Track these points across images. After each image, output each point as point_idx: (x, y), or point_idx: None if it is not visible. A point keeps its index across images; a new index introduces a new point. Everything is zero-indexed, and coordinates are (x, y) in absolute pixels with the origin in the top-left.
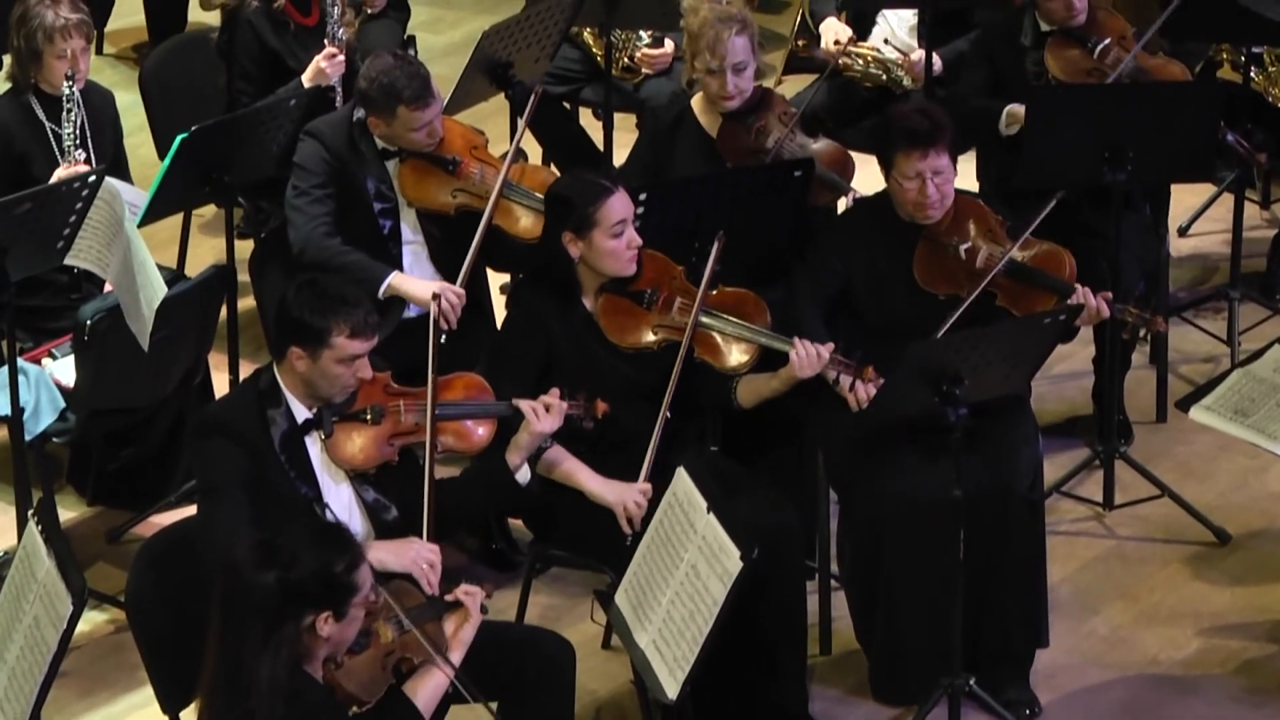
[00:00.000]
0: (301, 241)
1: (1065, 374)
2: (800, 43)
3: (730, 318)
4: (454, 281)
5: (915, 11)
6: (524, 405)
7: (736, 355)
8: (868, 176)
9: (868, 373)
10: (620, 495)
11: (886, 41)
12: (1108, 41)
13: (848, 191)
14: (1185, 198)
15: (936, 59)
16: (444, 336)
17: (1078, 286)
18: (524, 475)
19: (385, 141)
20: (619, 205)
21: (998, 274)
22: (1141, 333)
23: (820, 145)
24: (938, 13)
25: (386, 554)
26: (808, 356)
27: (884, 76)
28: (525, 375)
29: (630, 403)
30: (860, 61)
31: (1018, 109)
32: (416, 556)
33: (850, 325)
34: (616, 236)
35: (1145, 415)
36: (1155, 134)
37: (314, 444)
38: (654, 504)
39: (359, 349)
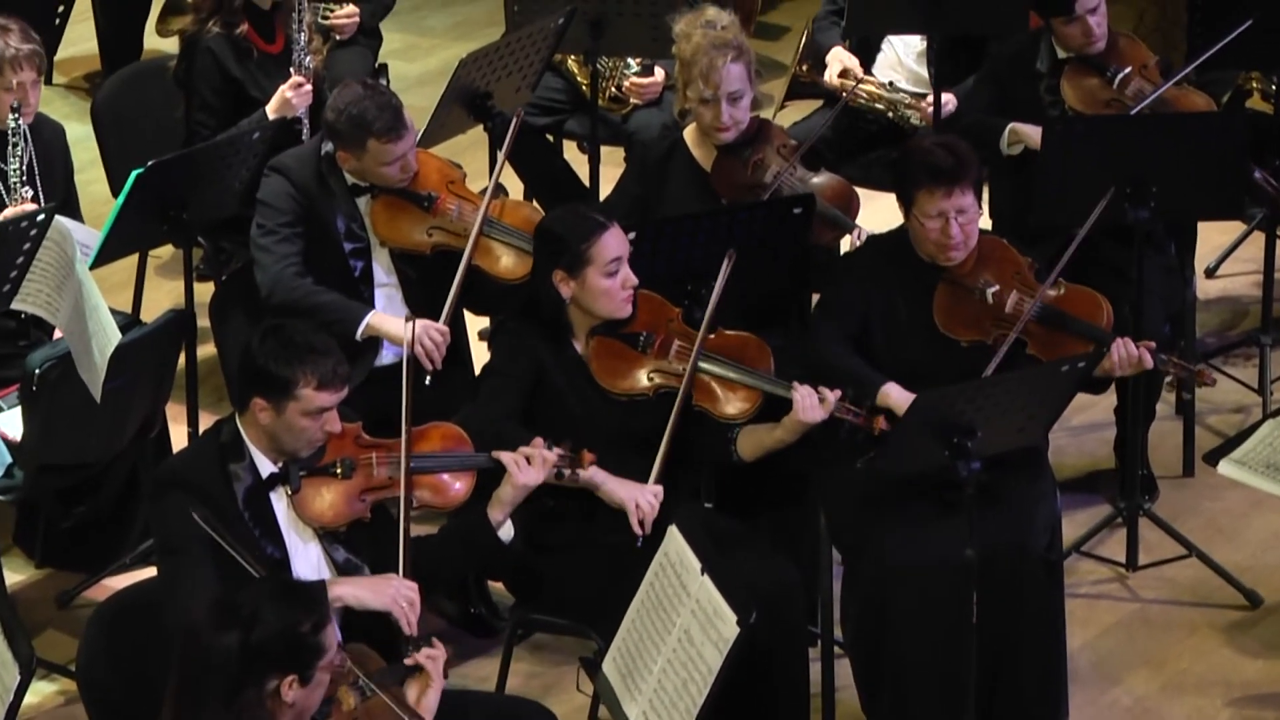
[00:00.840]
0: (270, 283)
1: (1085, 425)
2: (804, 67)
3: (731, 362)
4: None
5: (923, 37)
6: (505, 457)
7: (737, 403)
8: (871, 213)
9: (878, 422)
10: (633, 494)
11: (891, 84)
12: (1128, 70)
13: (852, 229)
14: (1212, 236)
15: (950, 98)
16: (429, 378)
17: (1114, 335)
18: (506, 532)
19: (356, 177)
20: (614, 242)
21: (1029, 319)
22: (1169, 379)
23: (822, 180)
24: (948, 39)
25: (364, 590)
26: (811, 400)
27: (890, 114)
28: (517, 401)
29: (621, 453)
30: (866, 96)
31: (1022, 127)
32: (396, 594)
33: None
34: (611, 275)
35: (1171, 469)
36: (1180, 169)
37: (280, 500)
38: (649, 554)
39: (327, 401)
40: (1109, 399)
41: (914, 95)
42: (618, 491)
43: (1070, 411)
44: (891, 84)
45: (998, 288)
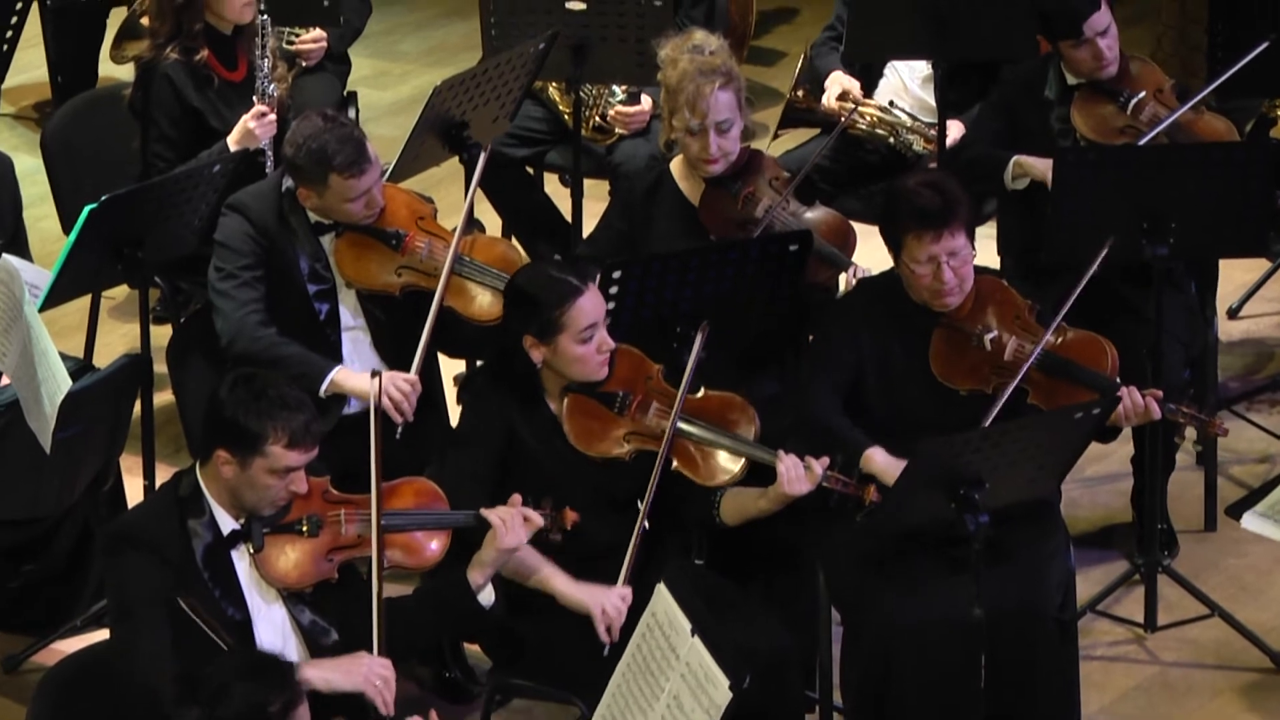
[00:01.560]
0: (231, 331)
1: (1100, 476)
2: (799, 92)
3: (713, 426)
4: (404, 370)
5: (929, 62)
6: (492, 515)
7: (720, 469)
8: (871, 250)
9: (869, 492)
10: (597, 598)
11: (892, 104)
12: (1143, 96)
13: (848, 267)
14: (1235, 274)
15: (956, 126)
16: (399, 430)
17: (1120, 383)
18: (488, 597)
19: (318, 214)
20: (589, 307)
21: (1029, 367)
22: (1193, 435)
23: (817, 214)
24: (955, 65)
25: (334, 672)
26: (797, 472)
27: (891, 140)
28: (488, 472)
29: (601, 513)
30: (865, 121)
31: (1027, 159)
32: (369, 674)
33: (857, 424)
34: (585, 342)
35: (1192, 523)
36: (1200, 202)
37: (242, 559)
38: (631, 622)
39: (296, 461)
40: (1125, 448)
41: (915, 118)
42: (579, 596)
43: (1084, 461)
44: (892, 103)
45: (996, 333)
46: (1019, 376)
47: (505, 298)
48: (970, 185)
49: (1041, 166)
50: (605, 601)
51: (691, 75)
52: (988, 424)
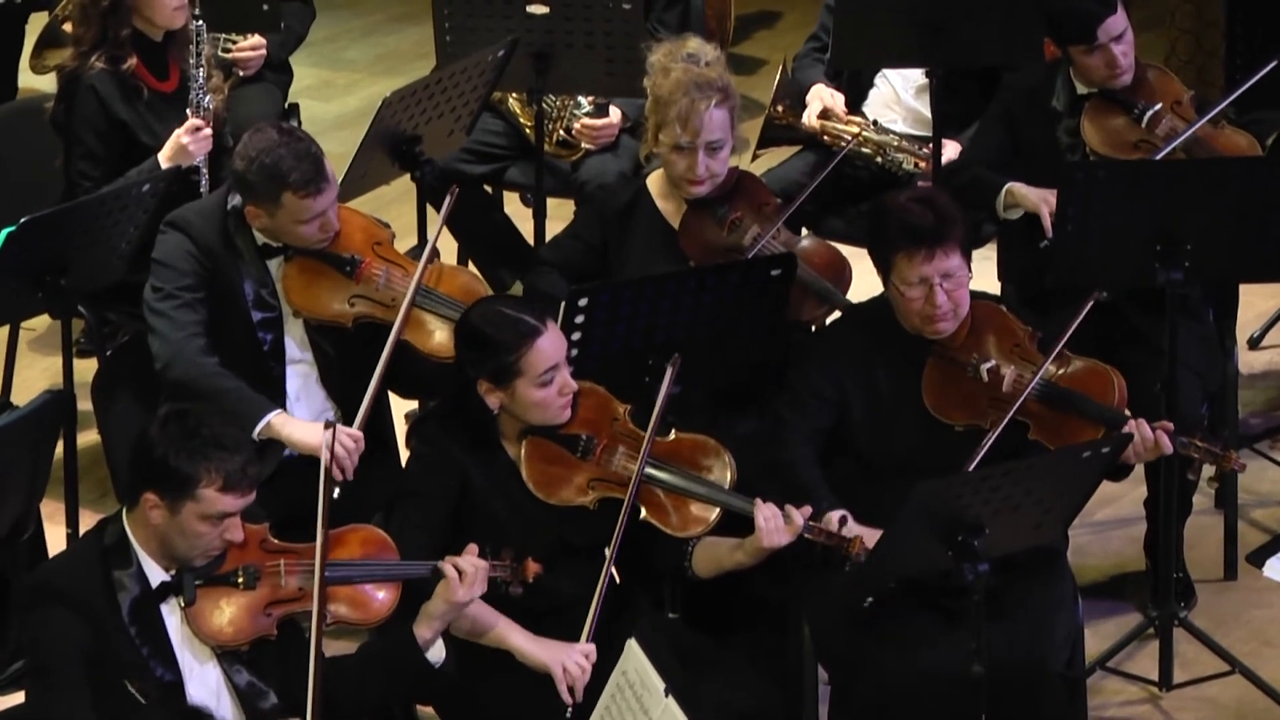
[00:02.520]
0: (169, 354)
1: (1111, 521)
2: (779, 108)
3: (685, 472)
4: (350, 411)
5: (924, 70)
6: (446, 566)
7: (693, 518)
8: (858, 275)
9: (855, 545)
10: (558, 656)
11: (876, 123)
12: (1159, 107)
13: (842, 305)
14: (1257, 302)
15: (953, 147)
16: (336, 489)
17: (1129, 415)
18: (437, 654)
19: (267, 236)
20: (549, 348)
21: (1029, 399)
22: (1209, 471)
23: (809, 244)
24: (952, 73)
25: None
26: (776, 523)
27: (879, 159)
28: (439, 523)
29: (564, 565)
30: (850, 141)
31: (1021, 189)
32: (567, 657)
33: (843, 466)
34: (545, 385)
35: (1211, 572)
36: (1219, 222)
37: (172, 614)
38: (597, 681)
39: (230, 506)
40: (1138, 490)
41: (909, 139)
42: (539, 654)
43: (1093, 504)
44: (876, 123)
45: (994, 363)
46: (1014, 408)
47: (457, 339)
48: (974, 219)
49: (1034, 197)
50: (567, 659)
51: (685, 88)
52: (979, 460)
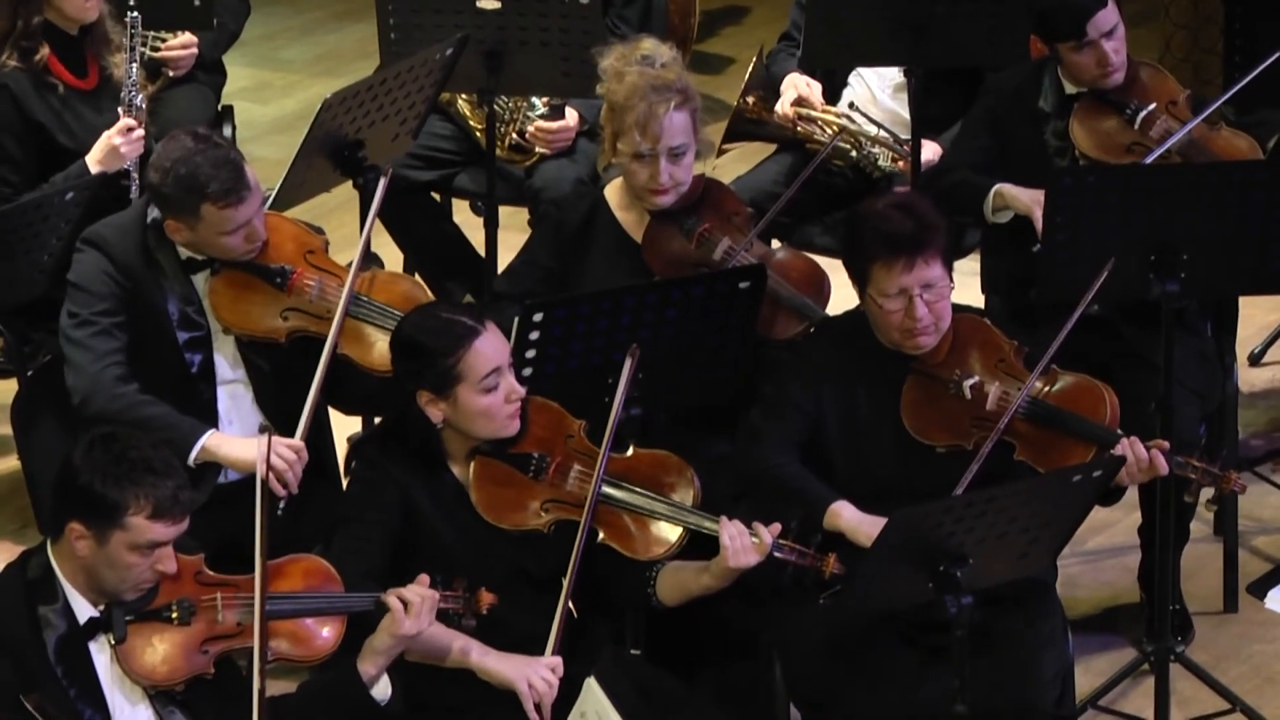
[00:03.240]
0: (85, 388)
1: (1103, 549)
2: (750, 99)
3: (644, 490)
4: (290, 431)
5: (901, 70)
6: (389, 598)
7: (654, 540)
8: (835, 286)
9: (828, 563)
10: (523, 671)
11: (853, 105)
12: (1152, 108)
13: (821, 321)
14: (1257, 315)
15: (931, 148)
16: (281, 507)
17: (1121, 434)
18: (382, 690)
19: (190, 249)
20: (489, 350)
21: (1015, 417)
22: (1207, 494)
23: (784, 256)
24: (931, 73)
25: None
26: (743, 542)
27: (854, 153)
28: (382, 553)
29: (518, 596)
30: (824, 134)
31: (1010, 190)
32: (531, 672)
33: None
34: (489, 391)
35: (1210, 604)
36: (1217, 230)
37: (102, 651)
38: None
39: (161, 534)
40: (1132, 516)
41: (885, 132)
42: (502, 670)
43: (1084, 532)
44: (852, 104)
45: (977, 379)
46: (1000, 427)
47: (392, 349)
48: (947, 216)
49: (1026, 198)
50: (532, 674)
51: (642, 92)
52: (966, 484)
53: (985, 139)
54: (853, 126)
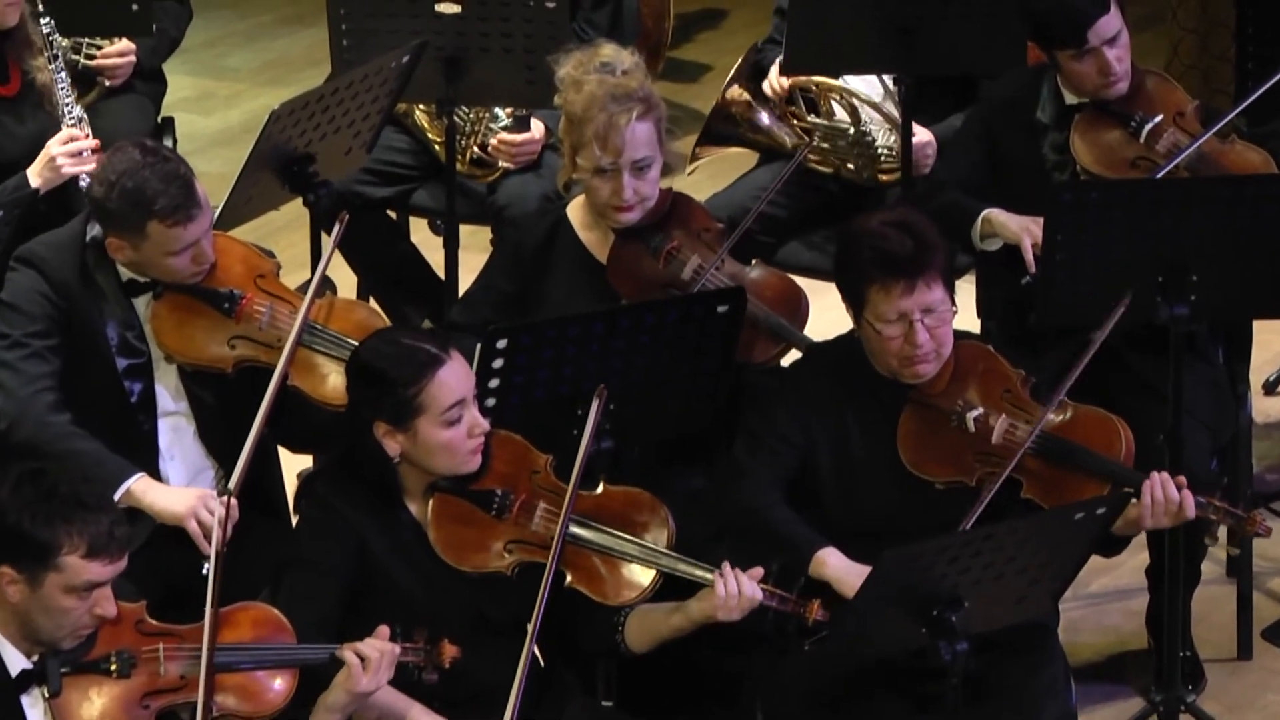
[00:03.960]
0: (14, 412)
1: (1108, 592)
2: (729, 95)
3: (615, 531)
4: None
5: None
6: (345, 652)
7: (625, 583)
8: (820, 309)
9: (812, 609)
10: None
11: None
12: (1159, 120)
13: (800, 342)
14: (1273, 341)
15: (923, 132)
16: (206, 566)
17: (1142, 474)
18: None
19: (132, 270)
20: (454, 380)
21: (1024, 453)
22: (1220, 531)
23: (761, 275)
24: (922, 80)
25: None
26: (734, 593)
27: (852, 130)
28: (334, 599)
29: (479, 644)
30: (821, 109)
31: (999, 216)
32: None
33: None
34: (452, 425)
35: (1222, 650)
36: (1229, 250)
37: (35, 705)
38: None
39: (98, 574)
40: (1138, 556)
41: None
42: None
43: (1087, 574)
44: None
45: (981, 411)
46: (1011, 464)
47: (349, 376)
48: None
49: (1015, 226)
50: None
51: (601, 102)
52: (970, 524)
53: (977, 154)
54: (851, 99)
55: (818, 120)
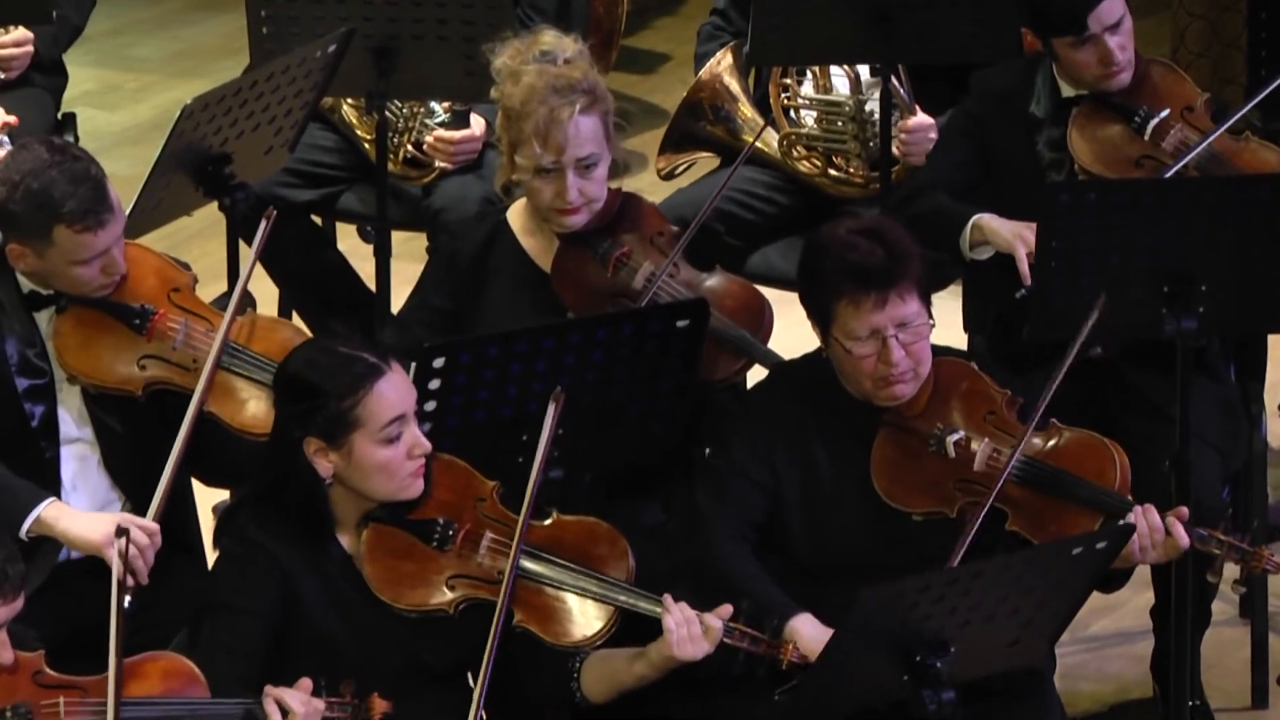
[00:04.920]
0: None
1: (1109, 635)
2: (707, 78)
3: (569, 564)
4: (146, 501)
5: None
6: (267, 703)
7: (579, 623)
8: (788, 325)
9: (786, 650)
10: None
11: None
12: (1165, 115)
13: (763, 356)
14: None
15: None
16: (128, 600)
17: (1131, 501)
18: None
19: (34, 281)
20: (393, 393)
21: (1008, 480)
22: (1232, 571)
23: (719, 283)
24: (909, 73)
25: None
26: (691, 630)
27: (850, 104)
28: (255, 646)
29: (419, 694)
30: (798, 98)
31: (990, 222)
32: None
33: (776, 566)
34: (390, 443)
35: (1236, 698)
36: (1241, 257)
37: None
38: None
39: None
40: (1142, 596)
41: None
42: None
43: (1087, 615)
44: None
45: (962, 435)
46: (993, 493)
47: (276, 389)
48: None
49: (1008, 233)
50: None
51: (541, 95)
52: (955, 562)
53: (966, 151)
54: (830, 97)
55: (812, 94)
